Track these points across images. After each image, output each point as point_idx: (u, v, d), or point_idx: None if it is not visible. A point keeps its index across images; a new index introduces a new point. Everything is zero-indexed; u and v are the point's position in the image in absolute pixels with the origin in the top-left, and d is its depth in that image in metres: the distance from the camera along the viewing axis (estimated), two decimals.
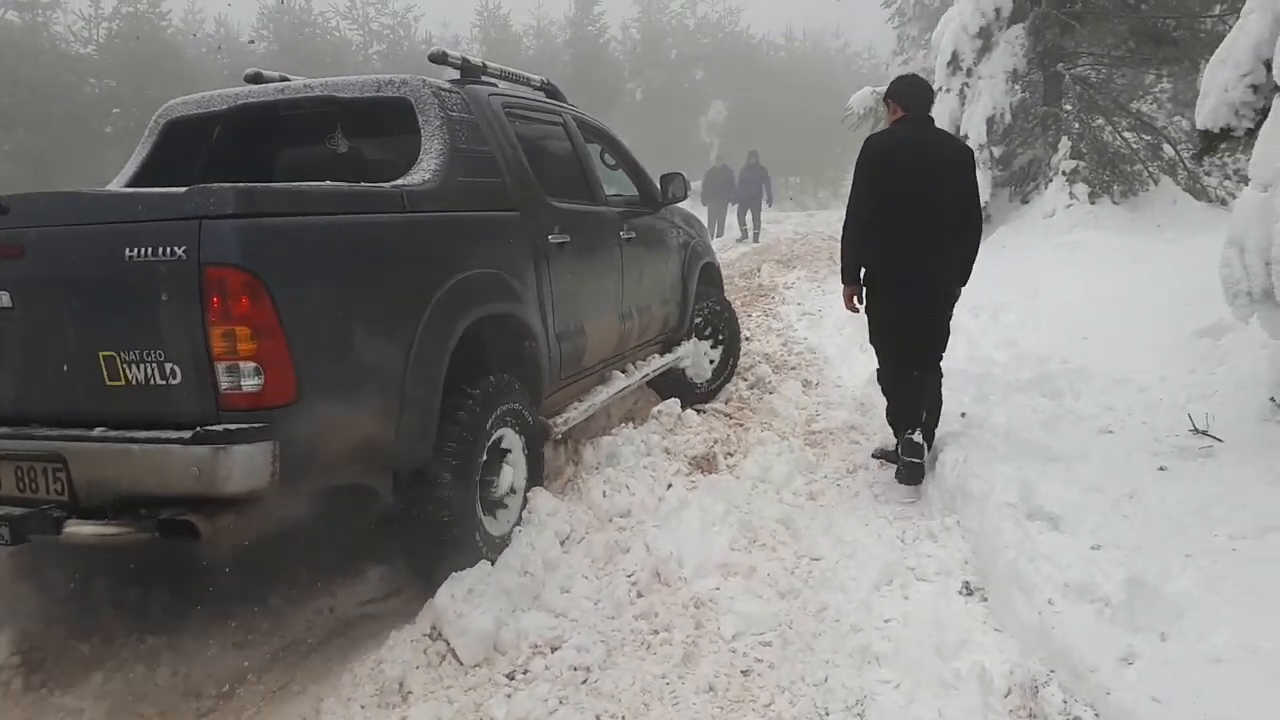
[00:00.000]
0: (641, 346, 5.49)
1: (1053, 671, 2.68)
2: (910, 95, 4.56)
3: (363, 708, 2.77)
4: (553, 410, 4.37)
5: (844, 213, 4.62)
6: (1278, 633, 2.67)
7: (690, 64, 39.88)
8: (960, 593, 3.40)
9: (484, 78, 4.36)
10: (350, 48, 34.21)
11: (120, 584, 3.61)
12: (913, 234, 4.37)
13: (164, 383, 2.70)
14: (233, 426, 2.63)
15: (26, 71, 22.90)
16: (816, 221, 24.60)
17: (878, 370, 4.84)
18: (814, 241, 17.84)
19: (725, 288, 7.26)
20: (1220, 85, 4.49)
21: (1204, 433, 4.43)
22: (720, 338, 6.46)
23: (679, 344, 5.98)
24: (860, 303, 4.65)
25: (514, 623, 3.18)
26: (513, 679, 2.95)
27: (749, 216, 20.20)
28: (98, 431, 2.75)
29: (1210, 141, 4.69)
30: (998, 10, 11.60)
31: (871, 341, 4.80)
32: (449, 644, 3.06)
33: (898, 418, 4.60)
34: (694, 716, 2.72)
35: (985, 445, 4.38)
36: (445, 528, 3.34)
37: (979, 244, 4.63)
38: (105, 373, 2.74)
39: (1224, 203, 11.67)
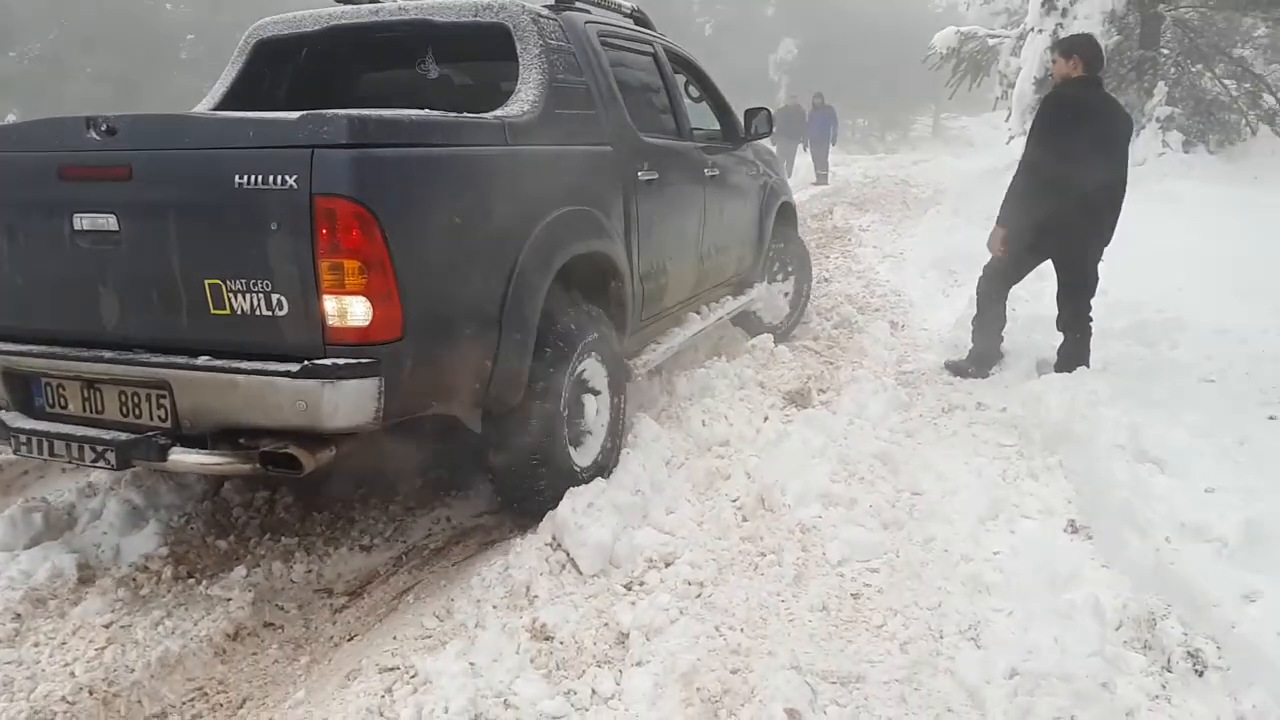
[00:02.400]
0: (717, 287, 5.40)
1: (1170, 606, 2.71)
2: (1095, 56, 4.79)
3: (494, 608, 2.91)
4: (632, 352, 4.29)
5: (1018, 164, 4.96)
6: None
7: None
8: (1065, 530, 3.44)
9: (578, 3, 4.23)
10: None
11: (248, 487, 3.80)
12: (1083, 194, 4.63)
13: (270, 314, 2.67)
14: (340, 361, 2.62)
15: None
16: (886, 165, 24.12)
17: (981, 289, 5.27)
18: (885, 185, 17.53)
19: (799, 228, 7.18)
20: None
21: None
22: (790, 273, 6.40)
23: (752, 285, 5.85)
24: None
25: (627, 538, 3.28)
26: (630, 589, 3.06)
27: (818, 158, 19.90)
28: (203, 360, 2.75)
29: None
30: None
31: (991, 277, 5.16)
32: (569, 554, 3.19)
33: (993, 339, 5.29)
34: (810, 633, 2.81)
35: (1087, 390, 4.36)
36: (533, 459, 3.36)
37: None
38: (211, 301, 2.72)
39: None
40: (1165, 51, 12.03)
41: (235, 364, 2.70)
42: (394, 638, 2.83)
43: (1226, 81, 11.94)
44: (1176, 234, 7.87)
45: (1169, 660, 2.53)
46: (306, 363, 2.61)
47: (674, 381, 4.90)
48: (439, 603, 3.01)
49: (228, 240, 2.68)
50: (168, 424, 2.84)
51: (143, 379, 2.85)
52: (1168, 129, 10.79)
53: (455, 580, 3.16)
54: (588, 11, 4.28)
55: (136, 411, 2.90)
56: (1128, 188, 4.82)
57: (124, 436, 2.83)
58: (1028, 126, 12.22)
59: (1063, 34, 11.57)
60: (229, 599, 3.07)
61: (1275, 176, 10.20)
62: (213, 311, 2.73)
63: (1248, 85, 12.21)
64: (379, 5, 4.20)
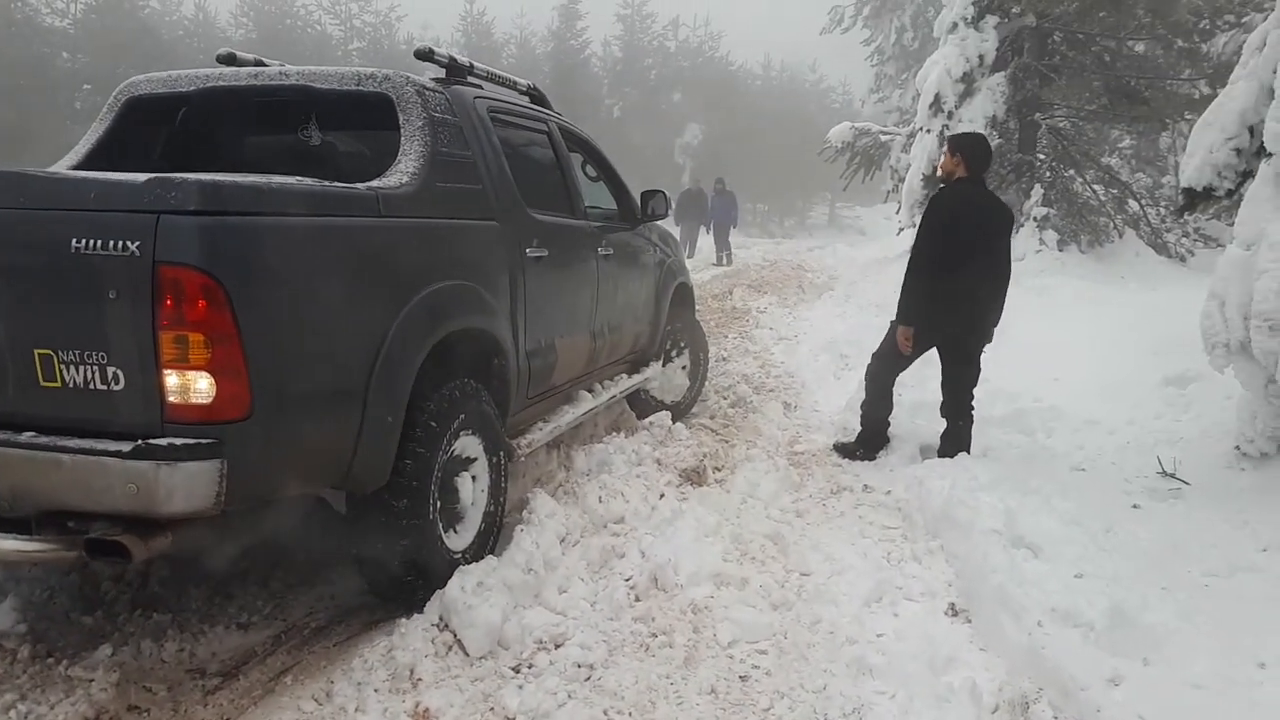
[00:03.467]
0: (610, 365, 5.37)
1: (1041, 690, 2.81)
2: (977, 155, 5.03)
3: (375, 691, 2.82)
4: (517, 430, 4.23)
5: (909, 258, 5.14)
6: (1250, 665, 2.87)
7: (669, 85, 40.27)
8: (946, 613, 3.54)
9: (470, 78, 4.19)
10: (330, 42, 34.08)
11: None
12: (968, 288, 4.89)
13: (105, 388, 2.49)
14: (178, 441, 2.44)
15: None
16: (784, 249, 24.94)
17: (870, 374, 5.42)
18: (783, 269, 18.09)
19: (698, 309, 7.33)
20: (1205, 147, 4.74)
21: (1173, 475, 4.65)
22: (685, 357, 6.46)
23: (648, 364, 5.87)
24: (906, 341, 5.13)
25: (517, 618, 3.25)
26: (518, 672, 3.02)
27: (720, 240, 20.48)
28: (26, 437, 2.53)
29: (1193, 199, 4.94)
30: (981, 57, 11.98)
31: (881, 364, 5.34)
32: (456, 635, 3.13)
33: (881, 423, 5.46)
34: (698, 717, 2.81)
35: (968, 476, 4.53)
36: (401, 544, 3.20)
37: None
38: (40, 371, 2.53)
39: (1183, 259, 12.15)
40: (1041, 156, 12.87)
41: (60, 441, 2.49)
42: None
43: (1096, 187, 12.81)
44: (1053, 327, 8.33)
45: None
46: (140, 442, 2.42)
47: (572, 456, 4.91)
48: (318, 685, 2.90)
49: (61, 308, 2.50)
50: None
51: None
52: (1044, 228, 11.49)
53: (336, 661, 3.06)
54: (479, 87, 4.24)
55: None
56: (1010, 281, 5.09)
57: None
58: (917, 220, 12.85)
59: (949, 134, 12.31)
60: (91, 680, 2.89)
61: (1139, 276, 10.94)
62: (42, 383, 2.53)
63: (1115, 191, 13.14)
64: (259, 69, 4.10)
